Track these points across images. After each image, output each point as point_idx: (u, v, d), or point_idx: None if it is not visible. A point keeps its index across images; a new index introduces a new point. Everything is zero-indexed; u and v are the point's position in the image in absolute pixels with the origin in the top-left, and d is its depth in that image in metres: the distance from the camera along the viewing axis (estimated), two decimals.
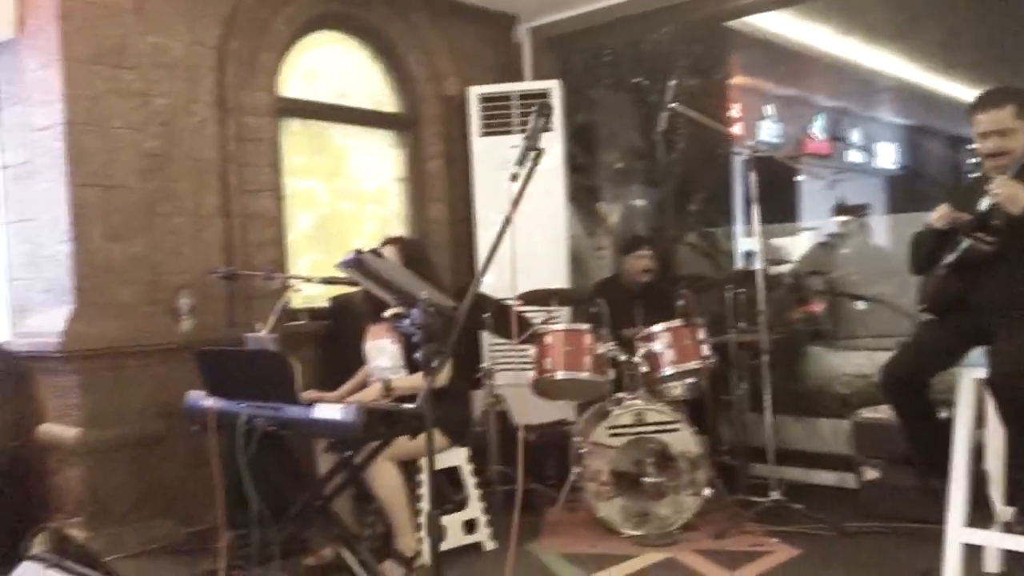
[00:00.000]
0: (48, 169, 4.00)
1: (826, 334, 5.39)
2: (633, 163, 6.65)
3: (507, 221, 2.29)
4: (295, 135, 4.88)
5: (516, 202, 2.29)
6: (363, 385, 3.75)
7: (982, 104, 3.00)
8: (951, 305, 3.06)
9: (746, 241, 5.69)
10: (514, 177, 2.29)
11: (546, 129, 2.40)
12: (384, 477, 3.39)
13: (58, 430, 3.98)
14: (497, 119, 5.32)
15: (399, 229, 5.38)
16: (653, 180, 7.01)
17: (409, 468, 3.61)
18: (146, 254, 4.14)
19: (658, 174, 6.94)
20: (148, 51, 4.17)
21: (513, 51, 5.92)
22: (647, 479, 3.80)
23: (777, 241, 5.64)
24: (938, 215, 3.05)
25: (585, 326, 4.11)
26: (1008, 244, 2.86)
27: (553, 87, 5.30)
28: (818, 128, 5.94)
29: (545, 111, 2.36)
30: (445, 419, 3.56)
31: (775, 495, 3.96)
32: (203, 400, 3.22)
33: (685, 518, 3.86)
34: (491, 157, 5.29)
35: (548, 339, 4.08)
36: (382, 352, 3.73)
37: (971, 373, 2.99)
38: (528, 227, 5.11)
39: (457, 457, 3.76)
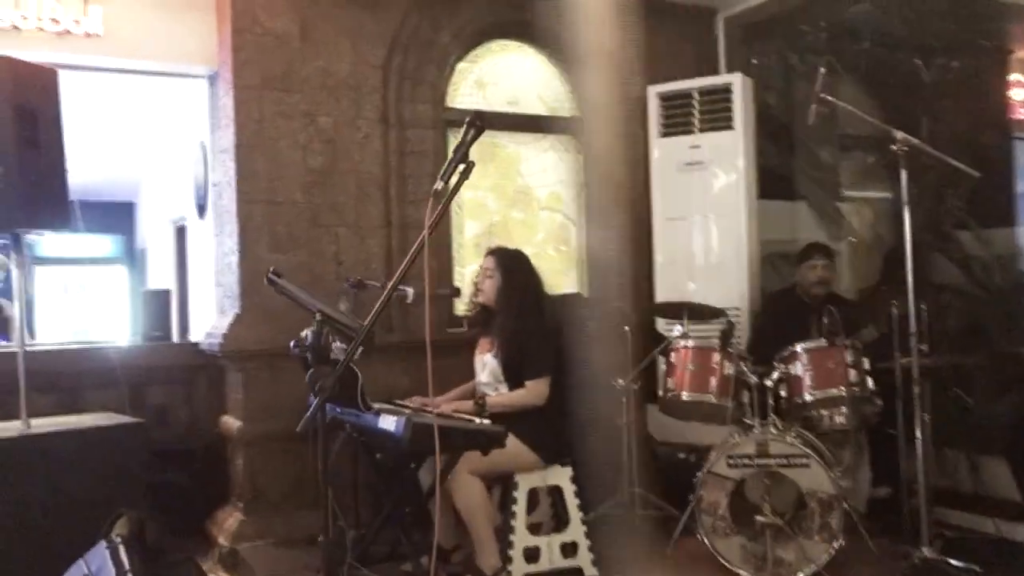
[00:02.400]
0: (228, 187, 4.45)
1: None
2: (868, 157, 5.98)
3: (422, 241, 2.14)
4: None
5: (435, 220, 2.15)
6: (467, 394, 3.75)
7: None
8: None
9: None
10: (436, 193, 2.15)
11: (471, 141, 2.19)
12: (465, 491, 3.36)
13: (230, 421, 4.43)
14: (678, 118, 5.05)
15: (574, 236, 5.30)
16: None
17: (505, 485, 3.55)
18: (307, 263, 4.46)
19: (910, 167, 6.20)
20: (314, 74, 4.49)
21: (712, 46, 5.57)
22: (761, 518, 3.40)
23: None
24: None
25: (715, 343, 3.76)
26: None
27: (735, 80, 4.91)
28: None
29: (477, 123, 2.19)
30: (534, 435, 3.46)
31: (927, 551, 3.34)
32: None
33: (812, 568, 3.40)
34: (670, 159, 5.03)
35: (673, 356, 3.79)
36: (484, 367, 3.70)
37: None
38: (709, 231, 4.89)
39: (559, 476, 3.62)
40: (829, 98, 3.65)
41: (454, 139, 4.94)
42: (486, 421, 3.27)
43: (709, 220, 4.94)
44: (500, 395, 3.61)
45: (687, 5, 5.41)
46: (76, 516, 3.23)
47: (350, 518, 3.68)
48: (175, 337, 5.51)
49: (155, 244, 7.29)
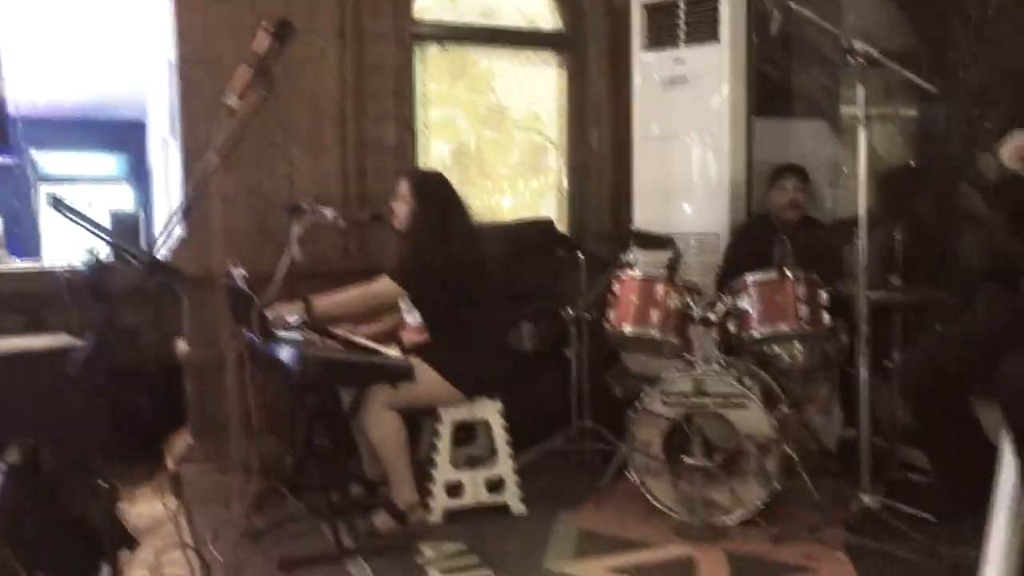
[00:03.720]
0: (176, 104, 4.29)
1: None
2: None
3: (210, 169, 1.93)
4: (433, 60, 4.71)
5: (233, 143, 1.93)
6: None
7: None
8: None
9: None
10: (230, 111, 1.93)
11: (274, 53, 1.96)
12: (380, 425, 3.22)
13: (181, 346, 4.36)
14: (663, 30, 4.67)
15: (557, 157, 5.03)
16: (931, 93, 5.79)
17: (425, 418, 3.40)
18: (258, 184, 4.30)
19: (943, 83, 5.74)
20: None
21: None
22: (689, 459, 3.18)
23: None
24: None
25: (661, 274, 3.49)
26: None
27: None
28: None
29: (279, 31, 1.95)
30: (452, 369, 3.29)
31: (867, 498, 3.07)
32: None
33: (745, 512, 3.18)
34: (653, 74, 4.68)
35: (617, 287, 3.55)
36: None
37: None
38: (691, 152, 4.56)
39: (486, 410, 3.45)
40: (792, 5, 3.27)
41: (421, 54, 4.72)
42: (394, 352, 3.10)
43: (692, 140, 4.60)
44: (329, 295, 3.35)
45: None
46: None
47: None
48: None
49: (154, 163, 7.27)
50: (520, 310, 4.41)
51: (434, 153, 4.74)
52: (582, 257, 3.97)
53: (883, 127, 5.56)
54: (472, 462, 3.59)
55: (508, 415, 4.20)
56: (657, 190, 4.71)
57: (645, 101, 4.73)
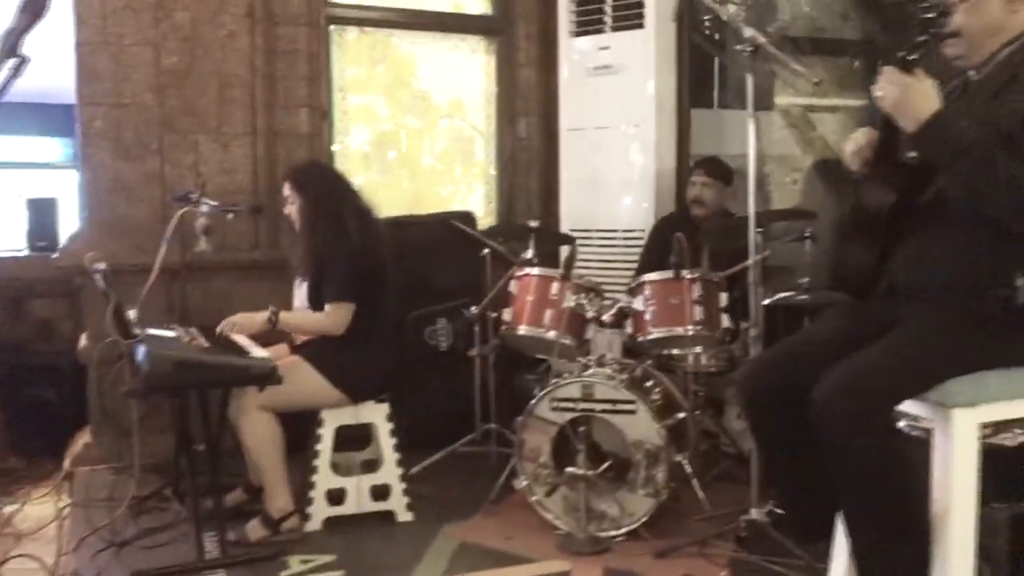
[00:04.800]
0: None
1: None
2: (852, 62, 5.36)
3: None
4: (352, 45, 4.54)
5: None
6: None
7: None
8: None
9: None
10: None
11: (23, 30, 1.76)
12: (253, 428, 3.07)
13: (83, 341, 4.21)
14: (591, 15, 4.49)
15: (480, 148, 4.86)
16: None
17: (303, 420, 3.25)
18: (160, 172, 4.14)
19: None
20: None
21: None
22: (575, 469, 3.02)
23: None
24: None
25: (556, 272, 3.34)
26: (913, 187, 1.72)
27: None
28: None
29: (31, 6, 1.77)
30: (335, 369, 3.14)
31: (756, 512, 2.92)
32: None
33: (632, 523, 3.04)
34: (580, 62, 4.51)
35: (515, 286, 3.39)
36: (297, 292, 3.37)
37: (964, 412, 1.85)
38: (615, 144, 4.39)
39: (372, 414, 3.30)
40: None
41: (339, 37, 4.54)
42: (261, 352, 2.94)
43: (619, 131, 4.43)
44: (296, 313, 3.27)
45: None
46: None
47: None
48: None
49: None
50: (437, 307, 4.27)
51: (353, 141, 4.56)
52: (486, 253, 3.80)
53: (834, 118, 5.40)
54: (370, 467, 3.44)
55: (418, 417, 4.10)
56: (584, 184, 4.55)
57: (572, 90, 4.56)
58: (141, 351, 2.73)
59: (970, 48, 1.88)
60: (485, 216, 4.90)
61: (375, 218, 3.31)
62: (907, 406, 1.84)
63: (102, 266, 2.92)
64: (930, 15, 1.76)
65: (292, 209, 3.30)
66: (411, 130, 4.68)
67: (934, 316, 1.77)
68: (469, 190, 4.84)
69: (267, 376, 2.81)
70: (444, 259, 4.27)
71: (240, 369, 2.79)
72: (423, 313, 4.26)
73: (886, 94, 1.77)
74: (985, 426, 1.85)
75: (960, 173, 1.70)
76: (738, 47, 2.79)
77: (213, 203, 3.45)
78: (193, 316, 4.10)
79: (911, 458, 1.80)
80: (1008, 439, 1.91)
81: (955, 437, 1.79)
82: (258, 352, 2.95)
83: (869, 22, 5.44)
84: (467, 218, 4.56)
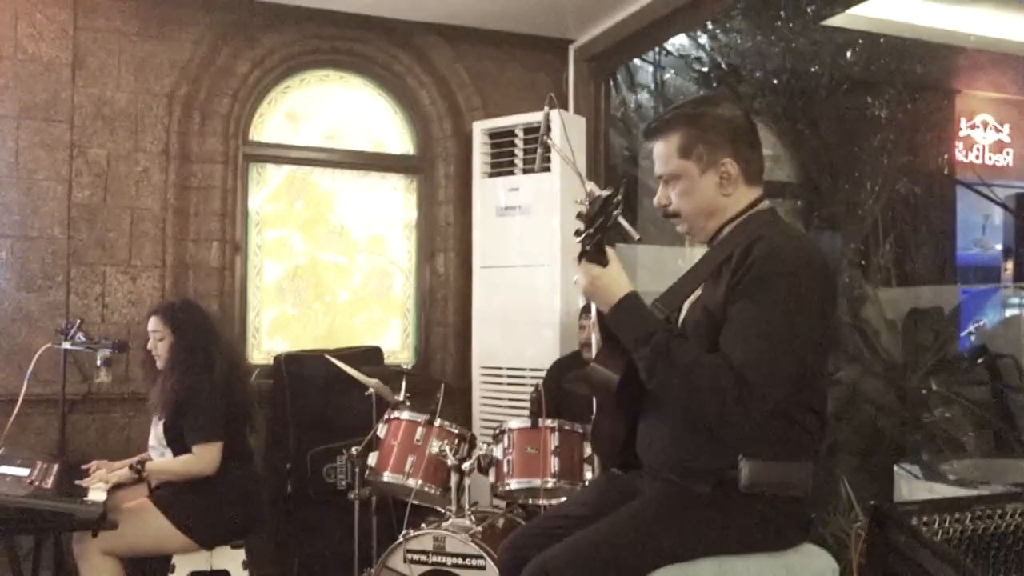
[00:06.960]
0: None
1: None
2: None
3: None
4: (270, 181, 4.65)
5: None
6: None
7: (648, 131, 1.84)
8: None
9: None
10: None
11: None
12: (94, 573, 2.98)
13: None
14: (503, 158, 4.60)
15: (403, 281, 4.89)
16: (829, 222, 5.72)
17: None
18: (64, 303, 4.17)
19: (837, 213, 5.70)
20: (86, 103, 4.23)
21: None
22: None
23: None
24: None
25: (422, 417, 3.29)
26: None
27: (554, 116, 4.41)
28: None
29: None
30: (183, 513, 3.07)
31: None
32: None
33: None
34: (492, 202, 4.59)
35: (383, 429, 3.35)
36: (152, 431, 3.33)
37: None
38: (522, 282, 4.41)
39: (227, 560, 3.20)
40: (551, 141, 3.16)
41: (257, 175, 4.65)
42: (98, 498, 2.88)
43: (524, 271, 4.47)
44: (163, 461, 3.23)
45: (535, 36, 4.96)
46: None
47: None
48: None
49: None
50: (336, 444, 4.20)
51: (267, 275, 4.61)
52: (371, 392, 3.77)
53: None
54: None
55: (314, 557, 3.98)
56: (494, 321, 4.56)
57: (484, 229, 4.62)
58: None
59: (692, 228, 1.89)
60: (402, 351, 4.89)
61: (241, 360, 3.31)
62: None
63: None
64: (606, 193, 1.77)
65: (161, 346, 3.30)
66: (328, 265, 4.72)
67: (654, 498, 1.72)
68: (385, 326, 4.83)
69: (94, 521, 2.74)
70: (345, 396, 4.23)
71: (62, 515, 2.72)
72: (321, 450, 4.21)
73: (579, 283, 1.80)
74: None
75: (642, 358, 1.68)
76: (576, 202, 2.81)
77: (82, 339, 3.46)
78: (90, 449, 4.08)
79: None
80: None
81: None
82: (97, 495, 2.89)
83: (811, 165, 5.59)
84: (374, 353, 4.56)
